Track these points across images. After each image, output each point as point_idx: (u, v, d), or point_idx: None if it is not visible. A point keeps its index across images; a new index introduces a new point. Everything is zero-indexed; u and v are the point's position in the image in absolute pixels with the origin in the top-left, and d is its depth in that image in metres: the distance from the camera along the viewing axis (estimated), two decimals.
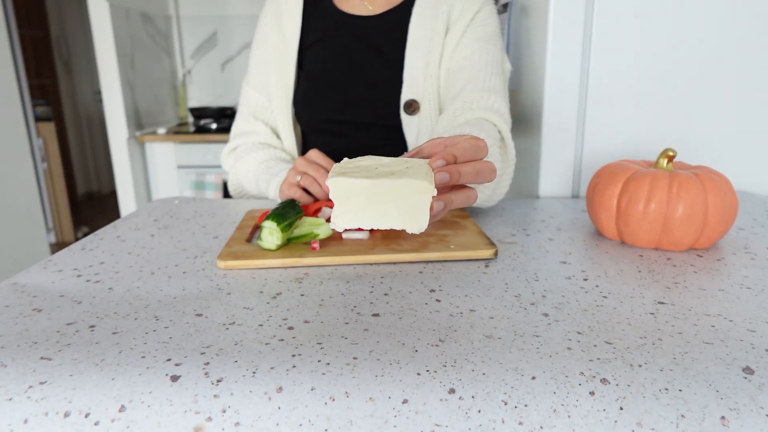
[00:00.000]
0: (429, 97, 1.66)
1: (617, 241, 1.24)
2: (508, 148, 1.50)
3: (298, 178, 1.45)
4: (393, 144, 1.73)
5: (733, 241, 1.22)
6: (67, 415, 0.66)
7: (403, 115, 1.67)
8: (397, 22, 1.71)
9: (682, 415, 0.63)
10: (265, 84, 1.79)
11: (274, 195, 1.61)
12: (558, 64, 1.63)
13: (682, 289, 0.97)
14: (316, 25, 1.75)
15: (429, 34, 1.66)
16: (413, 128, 1.68)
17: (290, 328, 0.84)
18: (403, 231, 1.24)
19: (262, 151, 1.74)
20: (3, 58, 3.81)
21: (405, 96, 1.66)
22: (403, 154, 1.31)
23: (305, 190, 1.48)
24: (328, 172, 1.44)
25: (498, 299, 0.94)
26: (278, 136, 1.82)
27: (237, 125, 1.87)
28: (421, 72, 1.66)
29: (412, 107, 1.66)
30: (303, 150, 1.85)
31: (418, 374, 0.71)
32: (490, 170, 0.92)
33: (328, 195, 1.41)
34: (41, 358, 0.76)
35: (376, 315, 0.88)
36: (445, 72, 1.66)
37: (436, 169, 0.86)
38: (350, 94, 1.71)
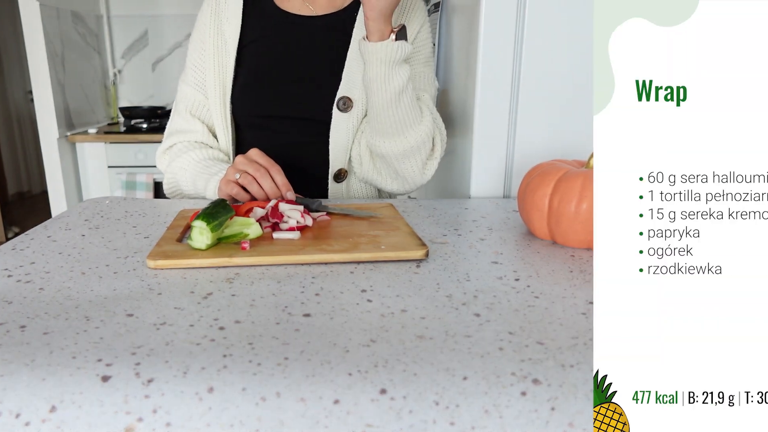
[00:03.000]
0: (363, 98, 1.73)
1: (549, 241, 1.24)
2: (436, 148, 1.75)
3: (237, 176, 1.44)
4: (322, 141, 1.76)
5: None
6: None
7: (336, 112, 1.73)
8: (340, 24, 1.76)
9: None
10: (203, 82, 1.78)
11: (212, 194, 1.61)
12: (489, 64, 1.63)
13: None
14: (255, 23, 1.76)
15: None
16: (342, 125, 1.74)
17: (221, 328, 0.83)
18: (335, 231, 1.24)
19: (199, 150, 1.74)
20: None
21: (341, 92, 1.73)
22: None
23: (244, 189, 1.48)
24: (269, 171, 1.44)
25: (429, 299, 0.94)
26: (214, 135, 1.82)
27: (173, 123, 1.84)
28: (360, 73, 1.70)
29: (346, 105, 1.73)
30: (237, 148, 1.84)
31: (350, 374, 0.71)
32: None
33: (266, 195, 1.41)
34: None
35: (307, 315, 0.87)
36: None
37: None
38: (287, 90, 1.74)
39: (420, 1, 1.82)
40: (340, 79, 1.73)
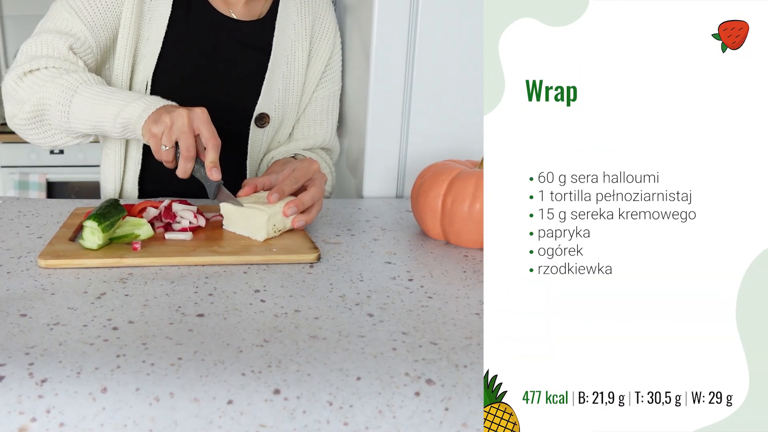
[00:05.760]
0: (279, 112, 1.73)
1: (442, 242, 1.25)
2: (331, 174, 1.82)
3: (165, 147, 1.27)
4: (234, 151, 1.72)
5: None
6: None
7: (253, 127, 1.71)
8: (260, 34, 1.72)
9: None
10: (103, 33, 1.55)
11: (138, 117, 1.33)
12: (382, 64, 1.64)
13: None
14: (183, 11, 1.64)
15: (290, 53, 1.73)
16: (258, 139, 1.73)
17: (115, 328, 0.82)
18: (228, 232, 1.25)
19: (93, 75, 1.45)
20: None
21: (259, 109, 1.69)
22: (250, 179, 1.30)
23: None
24: (196, 152, 1.27)
25: (323, 299, 0.94)
26: None
27: (41, 46, 1.50)
28: (279, 87, 1.71)
29: (263, 120, 1.71)
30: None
31: (243, 375, 0.71)
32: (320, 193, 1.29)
33: (187, 174, 1.28)
34: None
35: (200, 315, 0.86)
36: (306, 95, 1.80)
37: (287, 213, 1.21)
38: (204, 95, 1.61)
39: (335, 21, 1.84)
40: (258, 95, 1.69)
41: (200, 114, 1.27)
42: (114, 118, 1.34)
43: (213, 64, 1.67)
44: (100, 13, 1.52)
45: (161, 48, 1.60)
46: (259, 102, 1.68)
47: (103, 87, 1.41)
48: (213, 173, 1.25)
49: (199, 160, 1.28)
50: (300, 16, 1.74)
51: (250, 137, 1.71)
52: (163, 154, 1.27)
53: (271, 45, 1.70)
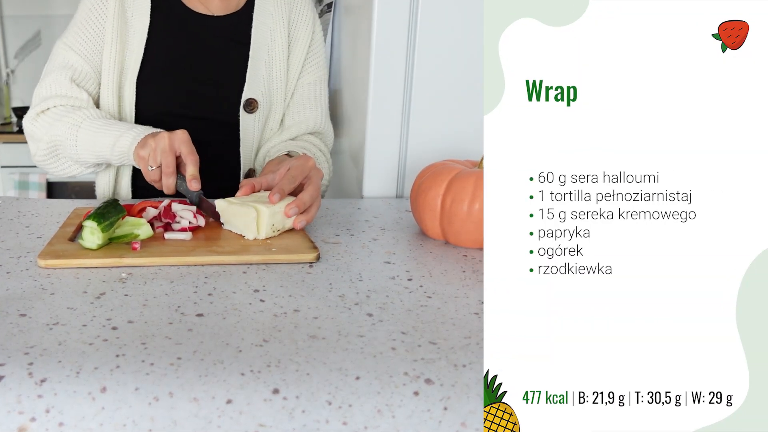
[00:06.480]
0: (266, 98, 1.78)
1: (441, 241, 1.25)
2: (327, 162, 1.86)
3: (151, 168, 1.41)
4: (227, 140, 1.78)
5: None
6: None
7: (242, 113, 1.76)
8: (238, 25, 1.78)
9: None
10: (94, 56, 1.69)
11: (127, 150, 1.50)
12: (382, 65, 1.64)
13: None
14: (162, 17, 1.72)
15: (269, 42, 1.79)
16: (249, 126, 1.77)
17: (114, 328, 0.82)
18: (227, 232, 1.25)
19: (92, 110, 1.63)
20: None
21: (246, 95, 1.75)
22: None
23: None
24: (185, 161, 1.39)
25: (322, 299, 0.93)
26: None
27: (51, 87, 1.66)
28: (263, 74, 1.77)
29: (252, 106, 1.76)
30: None
31: (242, 374, 0.71)
32: (317, 190, 1.30)
33: (171, 190, 1.38)
34: None
35: (200, 315, 0.86)
36: (291, 82, 1.85)
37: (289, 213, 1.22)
38: (196, 91, 1.73)
39: (311, 7, 1.88)
40: (243, 81, 1.74)
41: (180, 135, 1.42)
42: (111, 148, 1.53)
43: (197, 62, 1.74)
44: (90, 41, 1.69)
45: (144, 55, 1.69)
46: (245, 88, 1.74)
47: (104, 120, 1.58)
48: (192, 184, 1.36)
49: (181, 175, 1.40)
50: (276, 5, 1.80)
51: (241, 125, 1.77)
52: (150, 174, 1.42)
53: (250, 35, 1.77)
